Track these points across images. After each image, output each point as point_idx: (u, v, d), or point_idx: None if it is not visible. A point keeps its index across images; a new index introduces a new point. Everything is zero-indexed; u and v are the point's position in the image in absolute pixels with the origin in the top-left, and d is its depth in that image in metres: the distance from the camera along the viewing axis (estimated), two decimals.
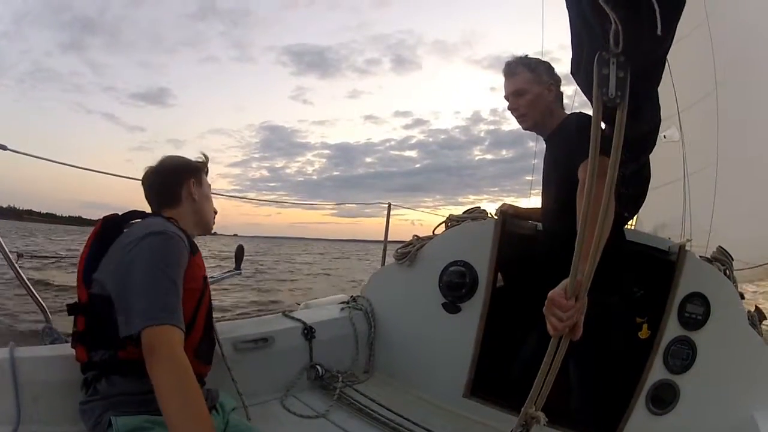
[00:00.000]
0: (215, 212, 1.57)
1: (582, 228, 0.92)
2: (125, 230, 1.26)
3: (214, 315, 1.46)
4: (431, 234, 2.38)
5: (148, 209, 1.43)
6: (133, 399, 1.11)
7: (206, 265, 1.40)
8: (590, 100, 1.23)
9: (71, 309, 1.24)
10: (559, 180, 1.76)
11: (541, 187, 2.14)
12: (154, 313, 1.07)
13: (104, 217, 1.30)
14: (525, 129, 1.89)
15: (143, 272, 1.12)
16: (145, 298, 1.09)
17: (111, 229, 1.26)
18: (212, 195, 1.57)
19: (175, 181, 1.43)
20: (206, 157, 1.55)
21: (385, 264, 2.94)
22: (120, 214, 1.32)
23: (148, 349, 1.04)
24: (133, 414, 1.11)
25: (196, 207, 1.45)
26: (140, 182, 1.46)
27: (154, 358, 1.03)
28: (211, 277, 2.20)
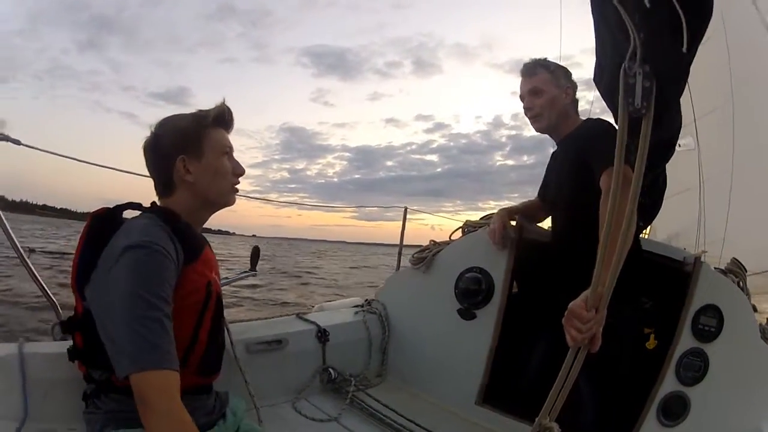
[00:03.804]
0: (239, 174, 1.26)
1: (605, 238, 0.92)
2: (115, 234, 1.09)
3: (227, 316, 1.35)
4: (448, 239, 2.37)
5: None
6: (133, 416, 1.01)
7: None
8: (610, 108, 1.24)
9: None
10: (575, 186, 1.75)
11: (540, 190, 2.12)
12: (141, 355, 0.94)
13: (92, 215, 1.14)
14: (538, 130, 1.88)
15: (124, 302, 0.98)
16: (128, 337, 0.96)
17: (102, 227, 1.11)
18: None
19: (164, 165, 1.18)
20: (220, 106, 1.23)
21: (401, 268, 2.93)
22: (110, 208, 1.15)
23: (138, 397, 0.94)
24: (132, 428, 1.05)
25: (196, 189, 1.18)
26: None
27: (147, 410, 0.93)
28: (225, 278, 2.20)
